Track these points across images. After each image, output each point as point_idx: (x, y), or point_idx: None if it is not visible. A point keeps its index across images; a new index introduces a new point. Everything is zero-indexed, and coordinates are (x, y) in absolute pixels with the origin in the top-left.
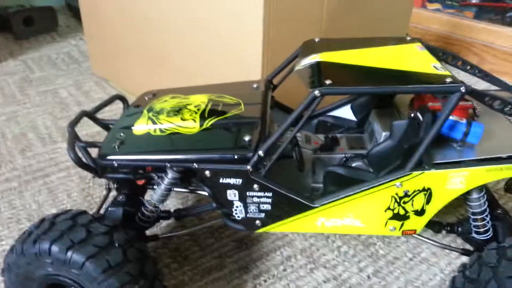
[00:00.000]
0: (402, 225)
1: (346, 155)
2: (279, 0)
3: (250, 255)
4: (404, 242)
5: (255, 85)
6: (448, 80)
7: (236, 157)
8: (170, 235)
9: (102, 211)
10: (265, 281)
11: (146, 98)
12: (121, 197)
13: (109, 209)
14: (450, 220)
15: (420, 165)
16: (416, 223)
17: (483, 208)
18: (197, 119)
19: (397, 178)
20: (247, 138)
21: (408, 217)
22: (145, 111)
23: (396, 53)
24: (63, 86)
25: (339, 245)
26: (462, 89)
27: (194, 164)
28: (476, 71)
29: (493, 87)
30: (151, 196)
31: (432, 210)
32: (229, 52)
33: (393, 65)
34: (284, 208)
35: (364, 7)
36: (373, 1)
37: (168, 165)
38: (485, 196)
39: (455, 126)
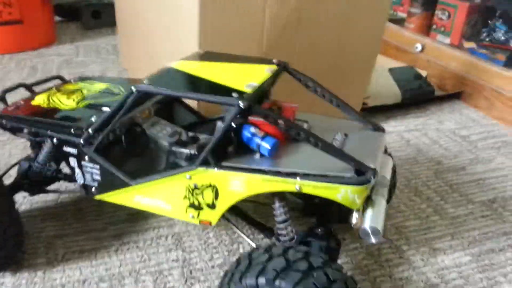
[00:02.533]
0: (198, 214)
1: (191, 152)
2: (215, 15)
3: (131, 227)
4: None
5: None
6: (234, 95)
7: (72, 131)
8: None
9: None
10: (128, 249)
11: (72, 81)
12: (32, 154)
13: (21, 162)
14: None
15: (208, 164)
16: (210, 215)
17: (283, 218)
18: (76, 100)
19: (186, 171)
20: (93, 118)
21: (202, 208)
22: (53, 88)
23: (236, 69)
24: (91, 71)
25: (209, 236)
26: (240, 104)
27: (48, 131)
28: (331, 99)
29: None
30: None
31: (222, 207)
32: (169, 47)
33: (215, 78)
34: (110, 180)
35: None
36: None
37: (32, 129)
38: (286, 207)
39: (252, 138)
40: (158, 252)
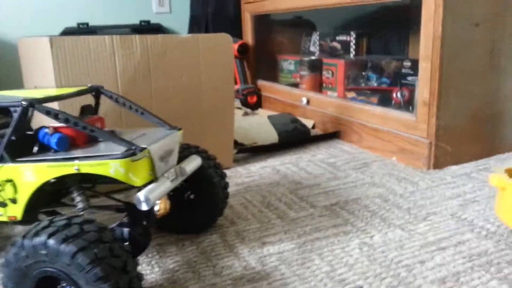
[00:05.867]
0: (6, 211)
1: None
2: (68, 71)
3: None
4: None
5: None
6: (20, 98)
7: None
8: None
9: None
10: None
11: None
12: None
13: None
14: None
15: (4, 160)
16: (14, 210)
17: (82, 206)
18: None
19: None
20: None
21: (7, 205)
22: None
23: (50, 90)
24: None
25: None
26: (23, 103)
27: None
28: (137, 110)
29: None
30: None
31: (22, 199)
32: None
33: (25, 95)
34: None
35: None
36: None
37: None
38: (84, 196)
39: (45, 136)
40: None
